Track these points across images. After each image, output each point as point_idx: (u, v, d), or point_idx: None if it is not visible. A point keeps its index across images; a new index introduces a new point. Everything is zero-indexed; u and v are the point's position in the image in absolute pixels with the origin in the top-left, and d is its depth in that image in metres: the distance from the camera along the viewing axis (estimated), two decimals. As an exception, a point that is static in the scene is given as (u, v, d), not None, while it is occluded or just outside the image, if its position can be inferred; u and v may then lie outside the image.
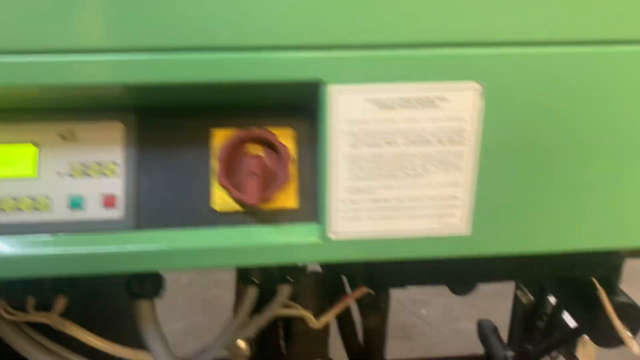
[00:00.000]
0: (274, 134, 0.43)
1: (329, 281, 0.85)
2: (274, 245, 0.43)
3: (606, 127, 0.42)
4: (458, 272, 0.78)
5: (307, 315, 0.75)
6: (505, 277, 0.81)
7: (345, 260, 0.44)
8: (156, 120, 0.44)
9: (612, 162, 0.43)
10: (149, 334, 0.53)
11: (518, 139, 0.42)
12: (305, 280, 0.88)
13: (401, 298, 2.20)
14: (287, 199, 0.44)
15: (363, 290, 0.76)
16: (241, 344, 0.64)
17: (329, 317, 0.75)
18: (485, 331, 1.41)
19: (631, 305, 0.84)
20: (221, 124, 0.44)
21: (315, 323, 0.75)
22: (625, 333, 0.81)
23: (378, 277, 0.76)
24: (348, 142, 0.41)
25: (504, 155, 0.42)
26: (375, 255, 0.44)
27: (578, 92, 0.41)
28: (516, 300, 1.28)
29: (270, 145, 0.43)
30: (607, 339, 0.84)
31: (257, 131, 0.42)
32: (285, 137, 0.44)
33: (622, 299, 0.85)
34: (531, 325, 1.19)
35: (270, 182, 0.42)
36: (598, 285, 0.80)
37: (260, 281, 0.55)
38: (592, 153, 0.43)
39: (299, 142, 0.44)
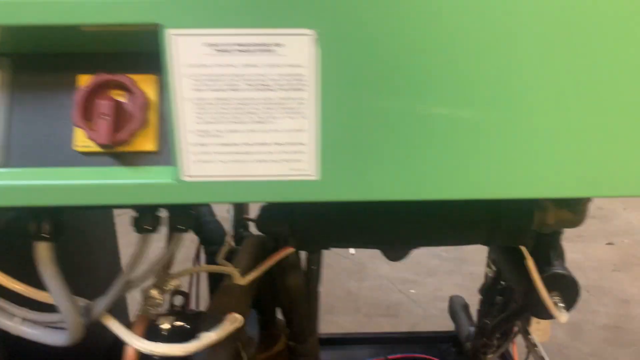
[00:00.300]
0: (130, 78, 0.45)
1: (268, 244, 0.87)
2: (130, 185, 0.45)
3: (455, 68, 0.43)
4: (389, 236, 0.80)
5: (233, 271, 0.78)
6: (436, 242, 0.82)
7: (200, 202, 0.46)
8: (30, 66, 0.47)
9: (461, 108, 0.44)
10: (47, 276, 0.56)
11: (360, 85, 0.43)
12: (245, 242, 0.91)
13: (391, 277, 2.21)
14: (147, 142, 0.46)
15: (288, 250, 0.79)
16: (154, 293, 0.67)
17: (254, 275, 0.78)
18: (455, 307, 1.42)
19: (565, 276, 0.84)
20: (88, 71, 0.46)
21: (239, 279, 0.77)
22: (550, 302, 0.81)
23: (309, 238, 0.78)
24: (191, 85, 0.42)
25: (346, 102, 0.43)
26: (228, 198, 0.46)
27: (415, 34, 0.42)
28: (486, 276, 1.28)
29: (129, 90, 0.45)
30: (542, 309, 0.84)
31: (113, 76, 0.45)
32: (148, 83, 0.46)
33: (557, 269, 0.84)
34: (491, 300, 1.19)
35: (125, 124, 0.44)
36: (526, 254, 0.80)
37: (152, 228, 0.57)
38: (440, 97, 0.44)
39: (163, 88, 0.46)
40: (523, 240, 0.77)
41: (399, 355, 1.38)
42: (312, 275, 0.83)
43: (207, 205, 1.06)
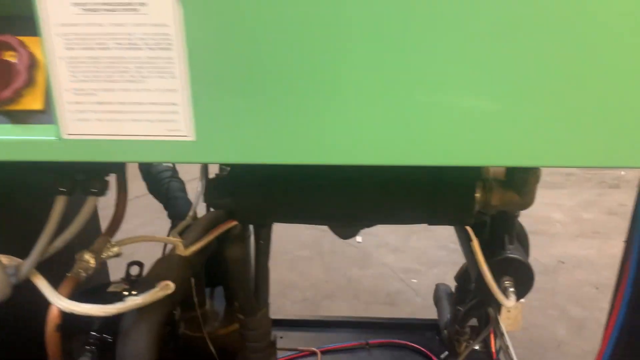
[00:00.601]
0: (18, 39, 0.46)
1: (222, 218, 0.89)
2: (15, 142, 0.47)
3: (327, 25, 0.42)
4: (334, 213, 0.79)
5: (176, 242, 0.79)
6: (381, 220, 0.81)
7: (80, 159, 0.47)
8: None
9: (343, 61, 0.43)
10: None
11: (230, 45, 0.43)
12: (202, 216, 0.92)
13: (395, 267, 2.20)
14: (34, 101, 0.47)
15: (231, 223, 0.80)
16: (86, 256, 0.69)
17: (196, 246, 0.79)
18: (439, 294, 1.40)
19: (517, 260, 0.82)
20: (-15, 33, 0.48)
21: (182, 250, 0.79)
22: (494, 285, 0.79)
23: (253, 212, 0.79)
24: (63, 44, 0.44)
25: (214, 61, 0.44)
26: (107, 157, 0.47)
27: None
28: (470, 265, 1.26)
29: (17, 51, 0.47)
30: (490, 294, 0.82)
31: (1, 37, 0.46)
32: (37, 45, 0.48)
33: (509, 254, 0.82)
34: (466, 287, 1.17)
35: (11, 83, 0.46)
36: (472, 235, 0.78)
37: (68, 190, 0.59)
38: (321, 50, 0.43)
39: (52, 50, 0.48)
40: (465, 220, 0.76)
41: (379, 341, 1.37)
42: (259, 250, 0.84)
43: (178, 182, 1.08)
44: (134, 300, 0.66)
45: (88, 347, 0.73)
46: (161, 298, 0.69)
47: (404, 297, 2.01)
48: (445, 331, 1.26)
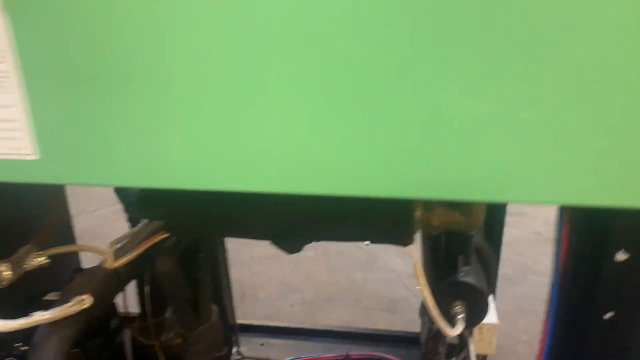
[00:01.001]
0: None
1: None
2: None
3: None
4: (270, 230, 0.75)
5: (105, 253, 0.77)
6: (319, 237, 0.76)
7: None
8: None
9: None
10: None
11: (66, 55, 0.39)
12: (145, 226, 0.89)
13: (400, 272, 2.13)
14: None
15: (161, 235, 0.76)
16: (2, 267, 0.67)
17: (125, 259, 0.76)
18: (425, 308, 1.34)
19: (468, 284, 0.75)
20: None
21: (110, 263, 0.76)
22: (436, 311, 0.73)
23: (186, 226, 0.76)
24: None
25: (54, 75, 0.40)
26: (-48, 175, 0.44)
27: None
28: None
29: None
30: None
31: None
32: None
33: (460, 277, 0.76)
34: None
35: None
36: (413, 256, 0.72)
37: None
38: (165, 65, 0.39)
39: None
40: (405, 240, 0.70)
41: (360, 353, 1.32)
42: (199, 263, 0.80)
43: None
44: (41, 316, 0.64)
45: (9, 359, 0.72)
46: (74, 312, 0.67)
47: (406, 305, 1.94)
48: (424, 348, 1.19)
